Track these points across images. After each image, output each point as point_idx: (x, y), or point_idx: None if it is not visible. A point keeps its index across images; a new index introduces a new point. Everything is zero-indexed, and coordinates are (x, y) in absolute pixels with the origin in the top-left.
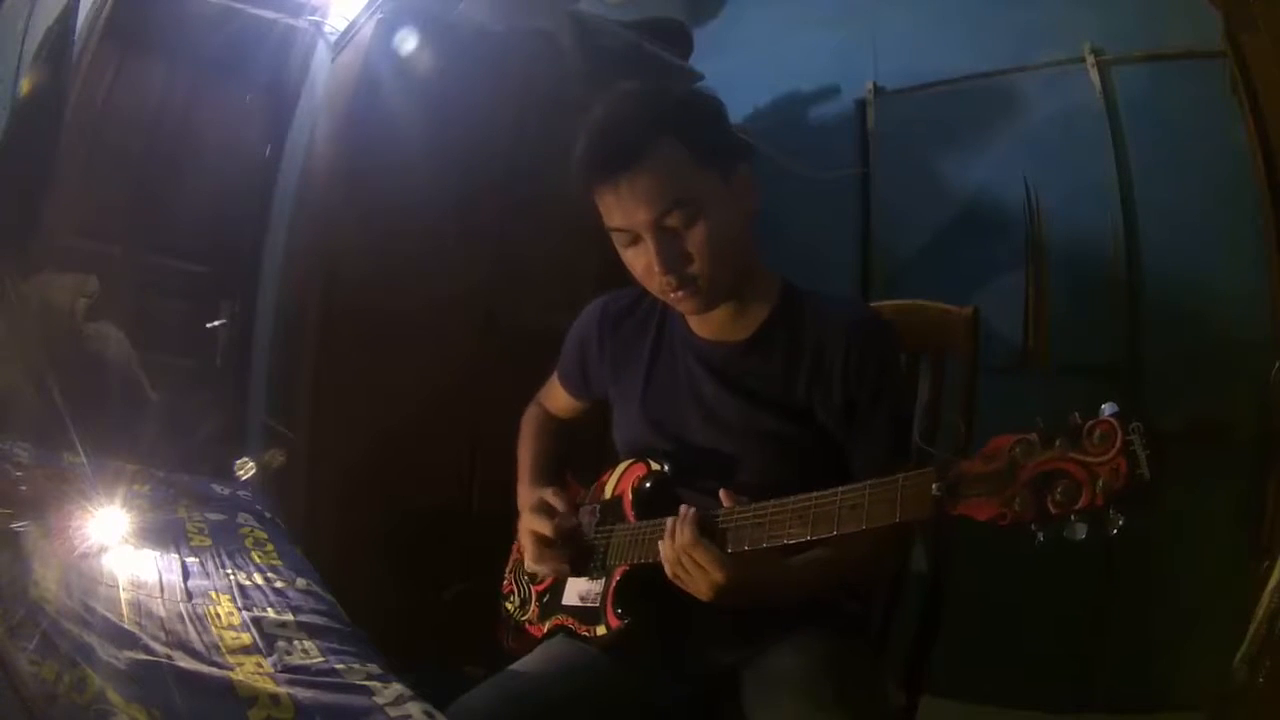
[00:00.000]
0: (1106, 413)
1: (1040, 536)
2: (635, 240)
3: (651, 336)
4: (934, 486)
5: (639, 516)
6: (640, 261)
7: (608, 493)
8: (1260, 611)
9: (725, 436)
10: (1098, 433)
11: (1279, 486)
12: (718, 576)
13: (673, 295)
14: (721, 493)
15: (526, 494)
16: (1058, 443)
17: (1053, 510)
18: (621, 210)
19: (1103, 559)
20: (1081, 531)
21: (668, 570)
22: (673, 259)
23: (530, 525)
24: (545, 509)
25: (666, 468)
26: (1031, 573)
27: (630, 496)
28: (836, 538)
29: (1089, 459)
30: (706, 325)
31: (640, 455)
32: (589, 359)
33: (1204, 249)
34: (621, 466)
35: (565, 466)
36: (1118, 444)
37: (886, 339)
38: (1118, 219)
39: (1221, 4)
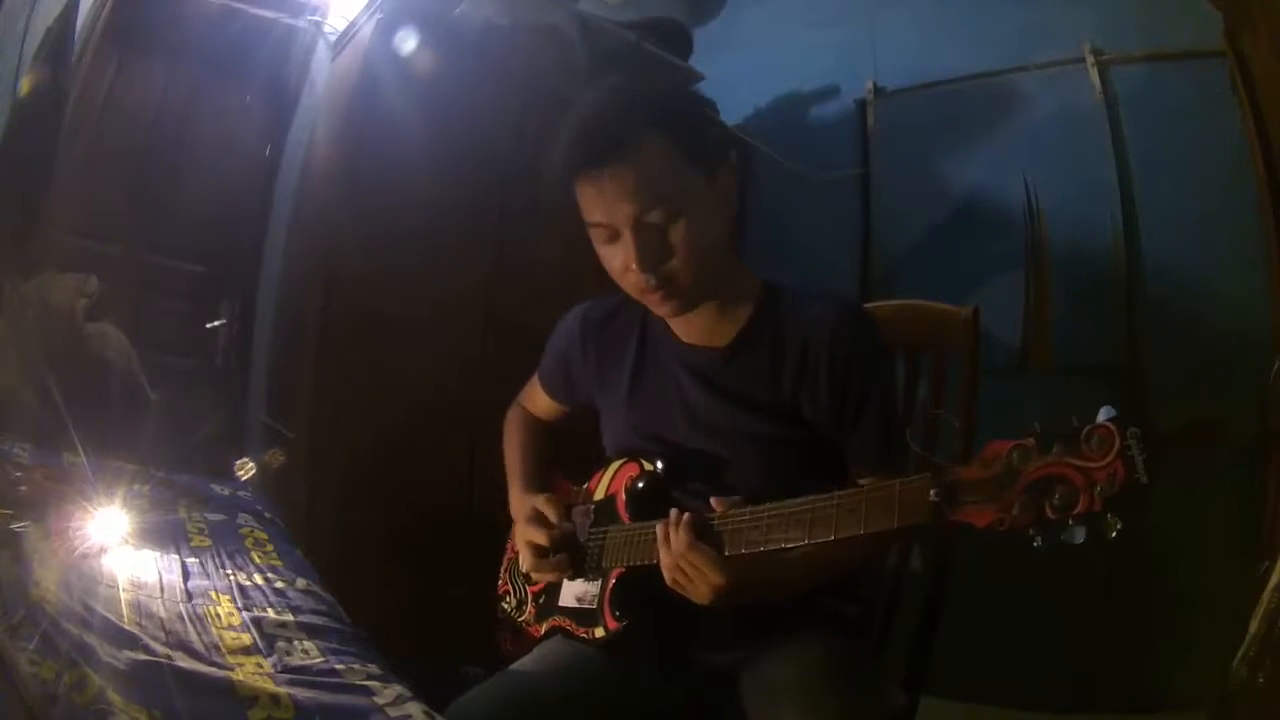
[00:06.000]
0: (1103, 417)
1: (1038, 541)
2: (614, 237)
3: (635, 343)
4: (931, 492)
5: (633, 517)
6: (617, 258)
7: (600, 493)
8: (1260, 611)
9: (713, 440)
10: (1095, 437)
11: (1278, 487)
12: (717, 579)
13: (650, 296)
14: (712, 500)
15: (519, 501)
16: (1055, 448)
17: (1051, 515)
18: (603, 204)
19: (1103, 560)
20: (1080, 535)
21: (666, 576)
22: (651, 257)
23: (526, 535)
24: (540, 518)
25: (659, 467)
26: (1032, 573)
27: (623, 497)
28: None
29: (1087, 464)
30: (689, 329)
31: (632, 455)
32: (572, 368)
33: (1204, 249)
34: (613, 466)
35: (554, 466)
36: (1115, 448)
37: (871, 334)
38: (1118, 219)
39: (1221, 4)
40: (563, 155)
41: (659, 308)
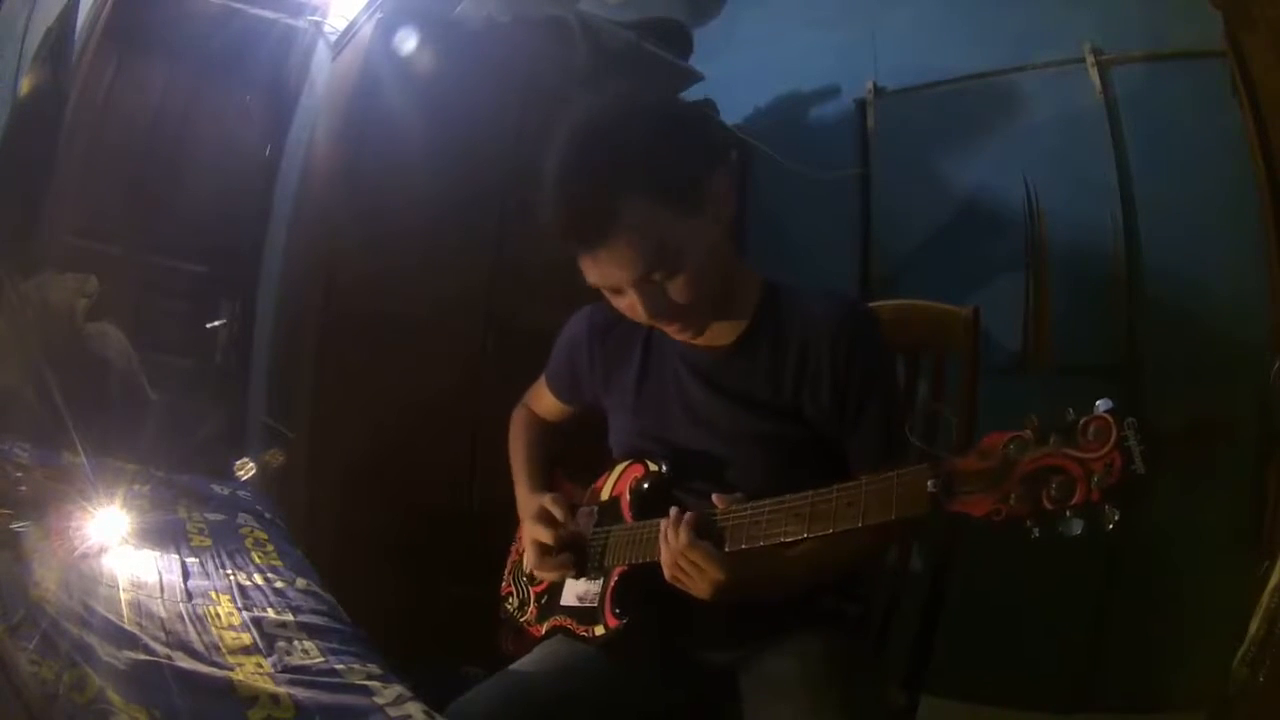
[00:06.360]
0: (1101, 409)
1: (1035, 532)
2: (618, 291)
3: (640, 345)
4: (929, 483)
5: (637, 517)
6: (624, 303)
7: (605, 494)
8: (1260, 612)
9: (717, 440)
10: (1092, 428)
11: (1278, 487)
12: (717, 575)
13: (664, 328)
14: (715, 497)
15: (526, 500)
16: (1052, 439)
17: (1048, 506)
18: (600, 274)
19: (1103, 559)
20: (1077, 527)
21: (666, 573)
22: (658, 307)
23: (533, 534)
24: (547, 517)
25: (664, 468)
26: (1032, 573)
27: (628, 497)
28: (833, 534)
29: (1084, 455)
30: None
31: (637, 456)
32: (579, 370)
33: (1204, 248)
34: (619, 467)
35: (557, 466)
36: (1112, 439)
37: (872, 332)
38: (1118, 219)
39: (1221, 4)
40: (550, 232)
41: (675, 336)
